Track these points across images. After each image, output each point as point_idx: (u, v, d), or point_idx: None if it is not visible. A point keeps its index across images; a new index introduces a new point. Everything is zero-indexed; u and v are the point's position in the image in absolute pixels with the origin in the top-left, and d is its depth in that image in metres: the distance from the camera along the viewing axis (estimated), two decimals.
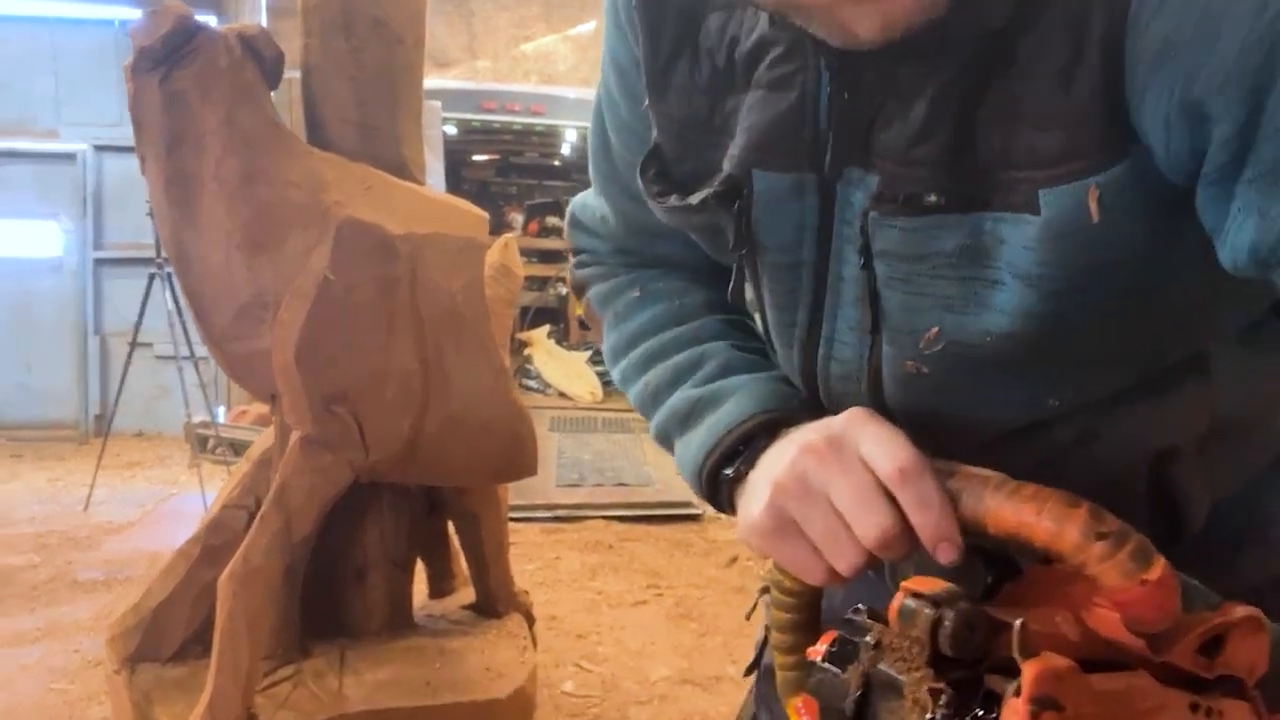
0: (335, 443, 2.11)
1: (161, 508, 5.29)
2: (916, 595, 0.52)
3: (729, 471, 0.64)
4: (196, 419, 5.60)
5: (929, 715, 0.48)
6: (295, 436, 2.13)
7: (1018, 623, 0.47)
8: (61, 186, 7.24)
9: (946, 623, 0.50)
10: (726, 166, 0.62)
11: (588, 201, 0.85)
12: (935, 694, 0.49)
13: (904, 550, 0.54)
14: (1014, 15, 0.50)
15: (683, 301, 0.77)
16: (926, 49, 0.51)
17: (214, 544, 2.26)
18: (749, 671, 0.91)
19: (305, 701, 2.07)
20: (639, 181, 0.67)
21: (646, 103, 0.66)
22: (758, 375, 0.70)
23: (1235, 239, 0.47)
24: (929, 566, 0.56)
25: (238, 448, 5.07)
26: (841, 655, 0.55)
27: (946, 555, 0.52)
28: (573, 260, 0.88)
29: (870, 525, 0.54)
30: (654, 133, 0.66)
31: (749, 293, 0.73)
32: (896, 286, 0.59)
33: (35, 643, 3.27)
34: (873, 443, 0.55)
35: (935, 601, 0.51)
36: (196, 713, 1.95)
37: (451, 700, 2.16)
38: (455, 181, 6.24)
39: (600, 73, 0.75)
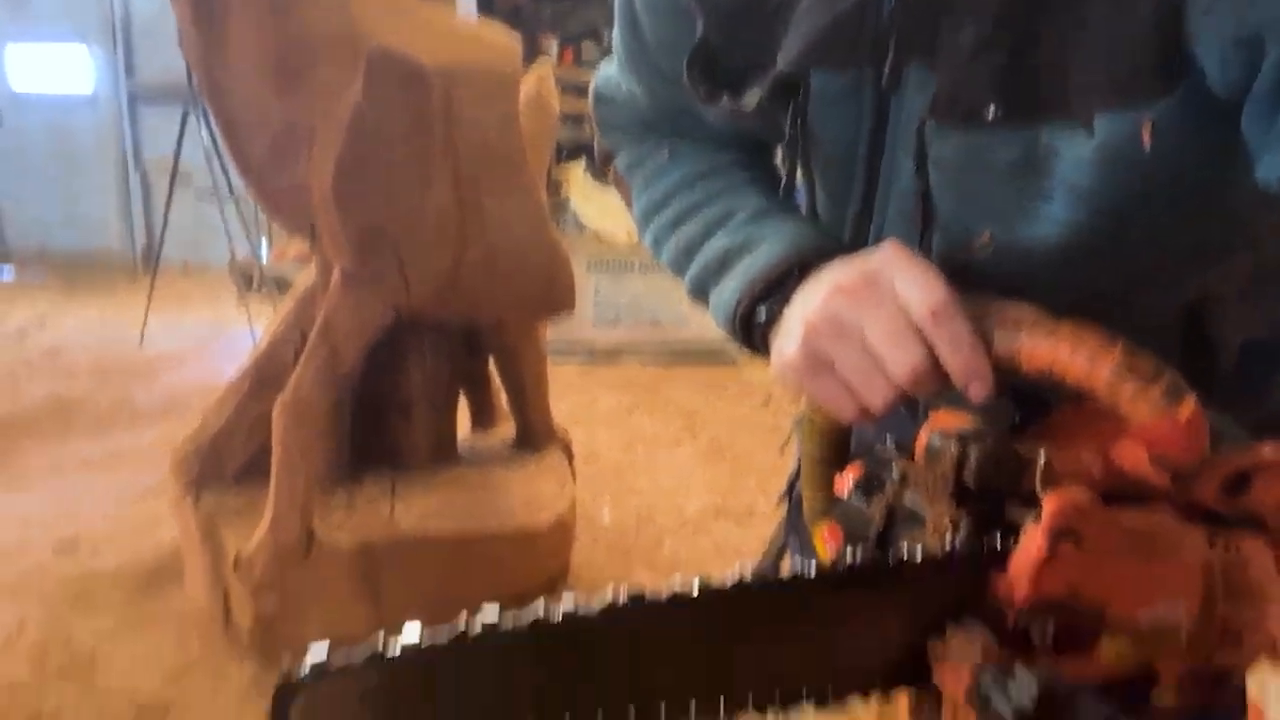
0: (375, 279, 2.13)
1: (213, 343, 5.47)
2: (944, 431, 0.53)
3: (762, 312, 0.65)
4: (240, 257, 5.68)
5: (948, 543, 0.49)
6: (337, 273, 2.16)
7: (1042, 457, 0.48)
8: (88, 13, 7.10)
9: (972, 457, 0.51)
10: (781, 63, 0.61)
11: (612, 75, 0.83)
12: (956, 524, 0.51)
13: (934, 387, 0.55)
14: None
15: (713, 159, 0.77)
16: None
17: (264, 377, 2.34)
18: (782, 500, 0.95)
19: (359, 525, 2.20)
20: (685, 80, 0.67)
21: None
22: (790, 219, 0.70)
23: (1272, 158, 0.48)
24: (959, 403, 0.56)
25: (282, 285, 5.17)
26: (867, 487, 0.57)
27: (977, 393, 0.53)
28: (598, 131, 0.88)
29: (901, 363, 0.54)
30: (699, 27, 0.65)
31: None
32: (950, 192, 0.60)
33: (103, 468, 3.48)
34: (906, 281, 0.55)
35: (962, 437, 0.52)
36: (259, 535, 2.09)
37: (495, 528, 2.28)
38: (486, 5, 5.97)
39: None
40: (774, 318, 0.64)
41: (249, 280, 5.67)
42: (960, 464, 0.51)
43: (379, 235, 2.11)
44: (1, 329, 5.69)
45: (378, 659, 0.36)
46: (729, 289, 0.68)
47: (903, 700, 0.54)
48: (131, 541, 2.81)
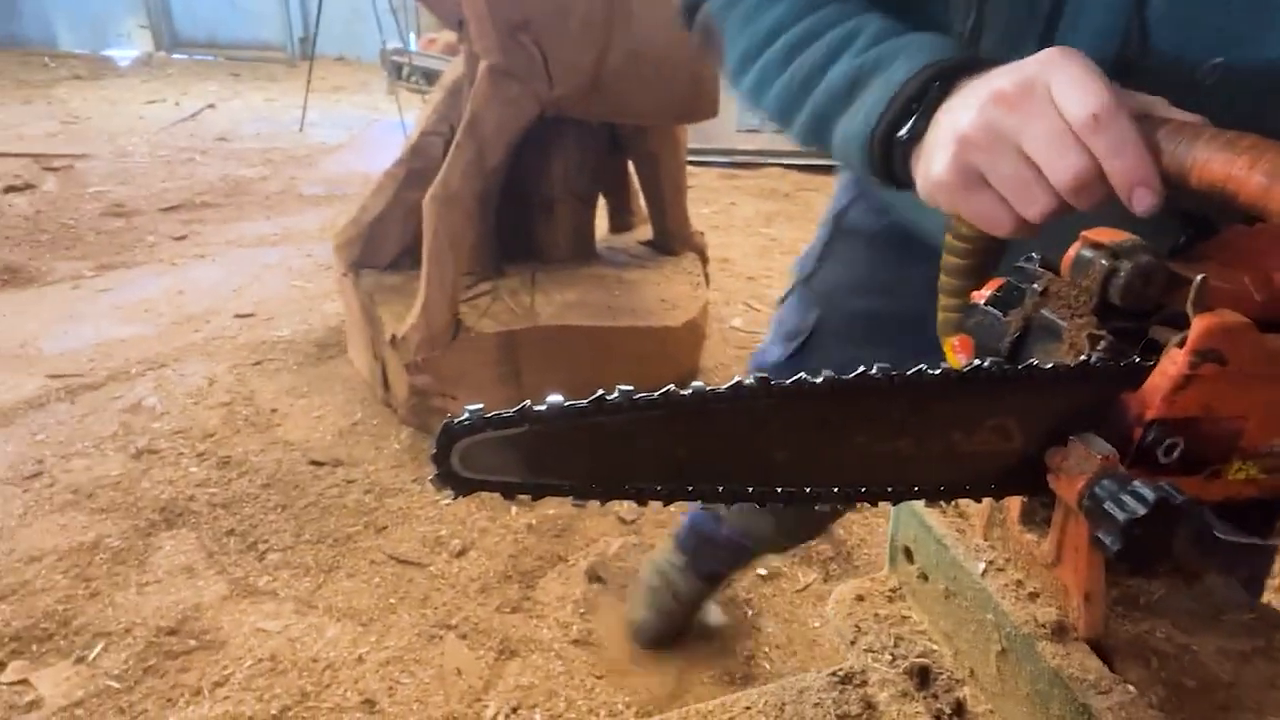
0: (521, 73, 2.13)
1: (366, 131, 5.64)
2: (1095, 245, 0.51)
3: (904, 133, 0.60)
4: (390, 46, 5.73)
5: (1083, 357, 0.49)
6: (483, 67, 2.16)
7: (1198, 277, 0.46)
8: None
9: (1121, 273, 0.49)
10: None
11: None
12: (1094, 339, 0.50)
13: (1097, 196, 0.52)
14: None
15: None
16: None
17: (417, 167, 2.42)
18: None
19: (503, 313, 2.32)
20: None
21: None
22: (926, 34, 0.63)
23: None
24: (1121, 221, 0.54)
25: (430, 76, 5.21)
26: (1006, 300, 0.56)
27: (1142, 201, 0.50)
28: None
29: (1063, 169, 0.50)
30: None
31: None
32: (1168, 12, 0.54)
33: (274, 245, 3.75)
34: (1067, 85, 0.50)
35: (1114, 252, 0.50)
36: (413, 316, 2.24)
37: (629, 324, 2.36)
38: None
39: None
40: (918, 135, 0.59)
41: (398, 69, 5.74)
42: (1108, 279, 0.50)
43: (524, 28, 2.08)
44: (178, 113, 6.03)
45: (529, 413, 0.40)
46: (863, 111, 0.62)
47: (1014, 504, 0.56)
48: (302, 314, 3.07)
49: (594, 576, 1.92)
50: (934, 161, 0.56)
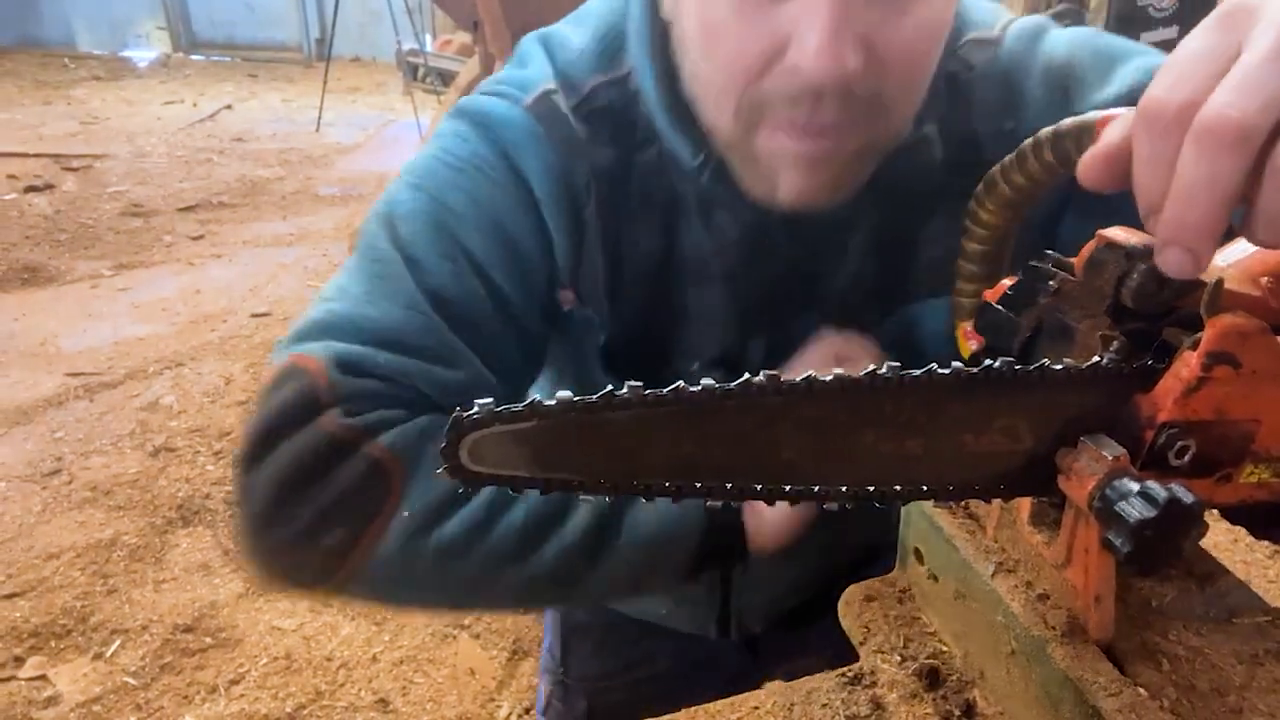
0: None
1: (382, 133, 5.67)
2: (1110, 245, 0.51)
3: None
4: (406, 47, 5.76)
5: (1095, 358, 0.49)
6: (498, 67, 2.17)
7: (1213, 280, 0.46)
8: None
9: (1136, 274, 0.49)
10: (719, 346, 0.74)
11: (363, 370, 0.69)
12: (1107, 341, 0.50)
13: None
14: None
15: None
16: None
17: None
18: None
19: None
20: (609, 378, 0.74)
21: (572, 301, 0.74)
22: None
23: None
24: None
25: (445, 77, 5.24)
26: (1018, 299, 0.56)
27: None
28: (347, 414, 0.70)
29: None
30: (600, 337, 0.75)
31: None
32: None
33: (290, 245, 3.77)
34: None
35: (1129, 253, 0.50)
36: None
37: None
38: None
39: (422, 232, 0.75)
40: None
41: (414, 70, 5.78)
42: (1121, 280, 0.49)
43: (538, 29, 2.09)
44: (195, 114, 6.07)
45: (538, 407, 0.41)
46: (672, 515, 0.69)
47: (1024, 505, 0.56)
48: None
49: None
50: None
